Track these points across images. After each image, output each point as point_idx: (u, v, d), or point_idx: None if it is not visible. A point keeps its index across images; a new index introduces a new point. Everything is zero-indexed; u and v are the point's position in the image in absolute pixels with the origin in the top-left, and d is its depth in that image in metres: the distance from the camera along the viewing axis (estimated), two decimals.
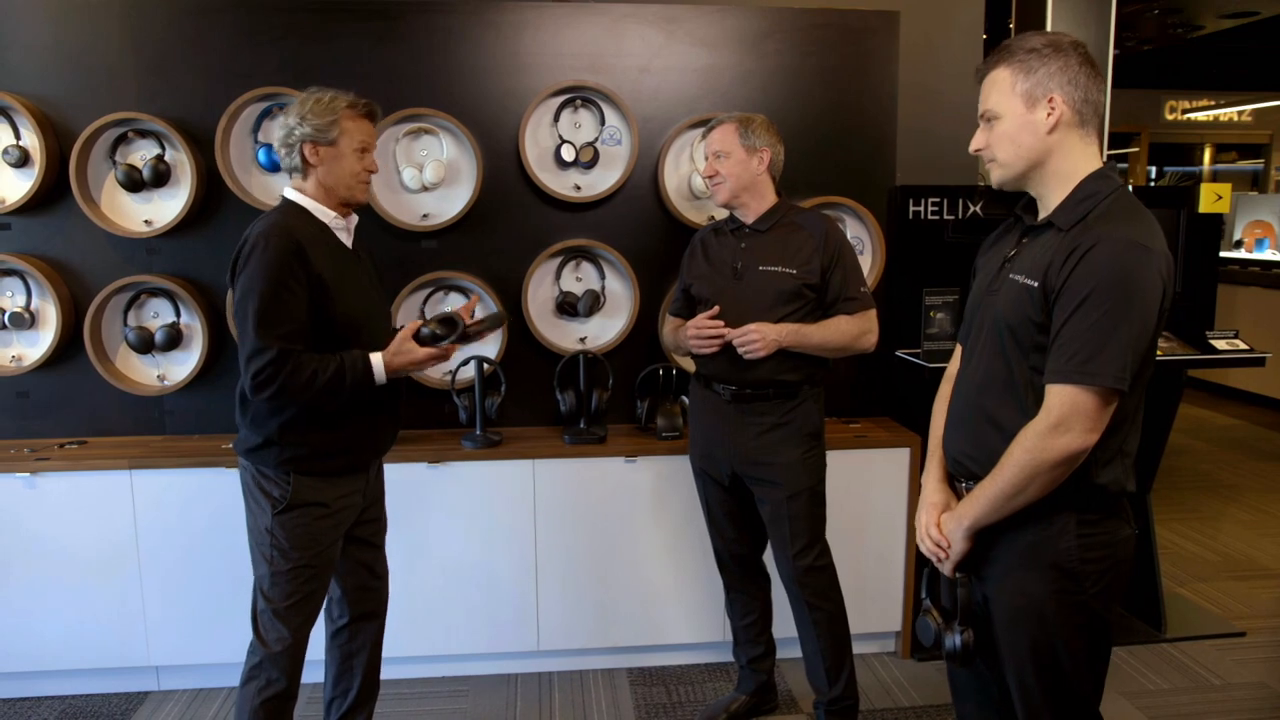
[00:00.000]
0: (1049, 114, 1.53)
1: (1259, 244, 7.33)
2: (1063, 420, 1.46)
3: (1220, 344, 3.11)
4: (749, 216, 2.45)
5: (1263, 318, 6.33)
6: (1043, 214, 1.60)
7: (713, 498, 2.58)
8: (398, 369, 2.05)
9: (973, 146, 1.63)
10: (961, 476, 1.69)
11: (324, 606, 2.27)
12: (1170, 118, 10.60)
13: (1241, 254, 7.25)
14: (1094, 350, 1.43)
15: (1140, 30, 7.40)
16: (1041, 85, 1.53)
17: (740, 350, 2.33)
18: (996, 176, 1.62)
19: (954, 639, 1.64)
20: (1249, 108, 10.58)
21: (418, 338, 2.09)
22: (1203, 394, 6.98)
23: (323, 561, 2.11)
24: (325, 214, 2.07)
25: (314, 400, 1.97)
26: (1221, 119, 10.80)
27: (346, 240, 2.13)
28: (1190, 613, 3.42)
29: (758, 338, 2.30)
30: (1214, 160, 11.33)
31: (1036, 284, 1.51)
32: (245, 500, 2.11)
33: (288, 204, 2.07)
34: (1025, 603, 1.58)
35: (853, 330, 2.40)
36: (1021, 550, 1.58)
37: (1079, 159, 1.55)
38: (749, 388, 2.40)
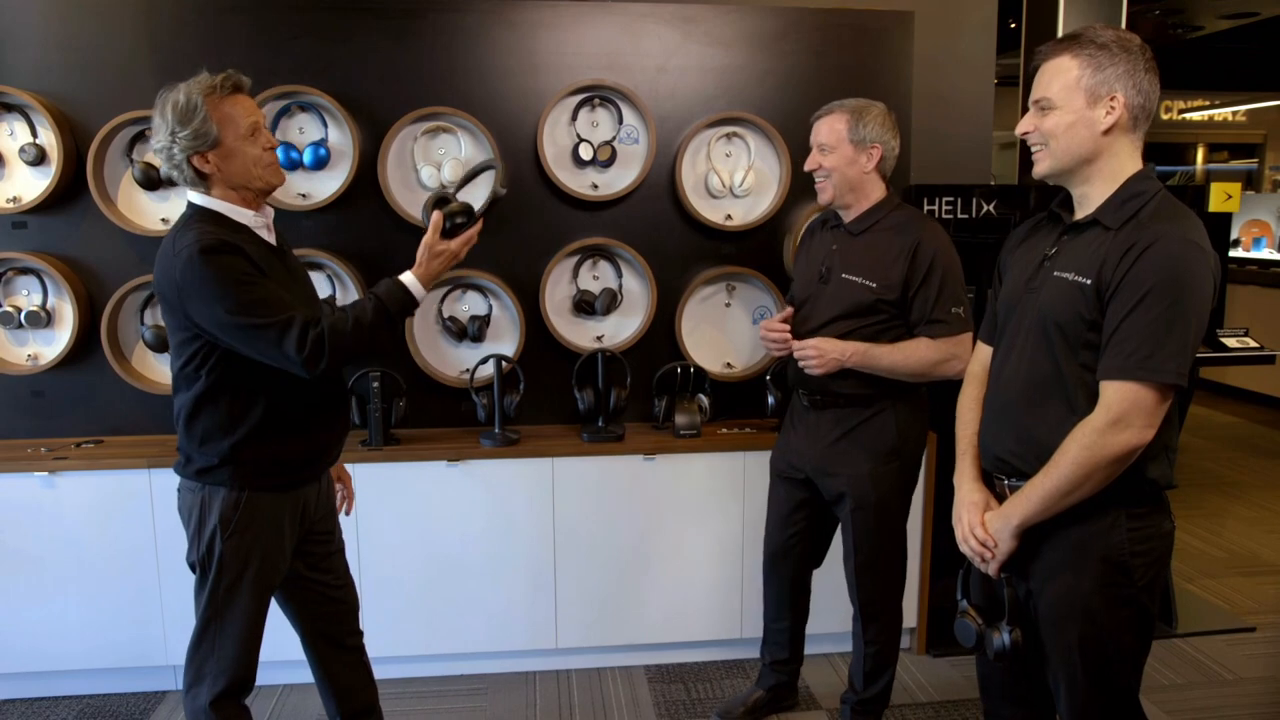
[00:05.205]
0: (1108, 113, 1.52)
1: (1256, 243, 7.39)
2: (1122, 416, 1.46)
3: (1231, 342, 3.14)
4: (849, 215, 2.34)
5: (1261, 316, 6.37)
6: (1082, 212, 1.60)
7: (781, 499, 2.51)
8: (436, 274, 1.91)
9: (1020, 129, 1.61)
10: (1005, 474, 1.68)
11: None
12: (1165, 117, 10.64)
13: (1239, 253, 7.31)
14: (1155, 346, 1.44)
15: (1140, 30, 7.39)
16: (1107, 84, 1.51)
17: (799, 364, 2.29)
18: (1044, 167, 1.59)
19: (1002, 638, 1.63)
20: (1244, 108, 10.64)
21: (444, 233, 1.92)
22: (1201, 391, 7.02)
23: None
24: (243, 215, 1.89)
25: (374, 342, 1.85)
26: (1216, 119, 10.86)
27: (269, 237, 1.96)
28: (1200, 608, 3.45)
29: (815, 354, 2.22)
30: (1206, 160, 11.40)
31: (1089, 281, 1.50)
32: None
33: (199, 210, 1.87)
34: (1074, 598, 1.58)
35: (931, 357, 2.20)
36: (1070, 547, 1.58)
37: (1125, 160, 1.55)
38: (820, 395, 2.34)
